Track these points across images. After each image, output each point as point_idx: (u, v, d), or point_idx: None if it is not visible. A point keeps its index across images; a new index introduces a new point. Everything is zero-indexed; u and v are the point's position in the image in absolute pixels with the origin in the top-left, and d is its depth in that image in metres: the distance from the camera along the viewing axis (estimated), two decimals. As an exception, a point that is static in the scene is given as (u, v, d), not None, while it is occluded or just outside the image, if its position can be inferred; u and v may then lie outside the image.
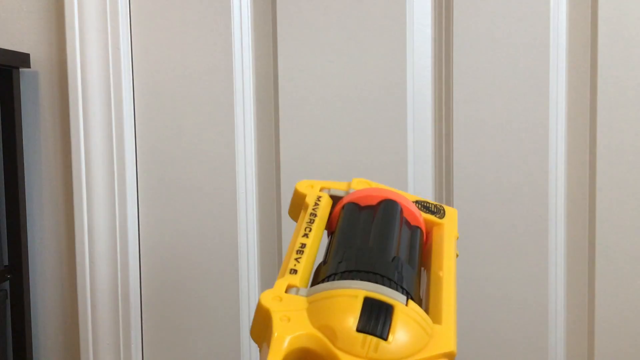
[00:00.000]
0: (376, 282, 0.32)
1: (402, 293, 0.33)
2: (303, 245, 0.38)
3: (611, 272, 0.91)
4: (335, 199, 0.44)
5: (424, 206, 0.44)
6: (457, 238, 0.44)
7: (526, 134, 0.91)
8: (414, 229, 0.42)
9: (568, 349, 0.94)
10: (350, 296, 0.31)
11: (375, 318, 0.30)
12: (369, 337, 0.30)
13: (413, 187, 0.93)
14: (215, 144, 0.96)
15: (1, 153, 0.96)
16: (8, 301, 0.98)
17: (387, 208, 0.41)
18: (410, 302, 0.32)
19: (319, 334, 0.30)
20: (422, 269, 0.41)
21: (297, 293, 0.34)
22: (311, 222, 0.41)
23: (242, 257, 0.97)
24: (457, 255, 0.42)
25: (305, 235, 0.39)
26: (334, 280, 0.33)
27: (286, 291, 0.34)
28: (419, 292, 0.36)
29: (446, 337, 0.32)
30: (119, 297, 0.98)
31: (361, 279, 0.33)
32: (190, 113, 0.96)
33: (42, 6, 0.98)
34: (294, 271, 0.36)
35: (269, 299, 0.33)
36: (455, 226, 0.44)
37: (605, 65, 0.88)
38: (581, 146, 0.91)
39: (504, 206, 0.92)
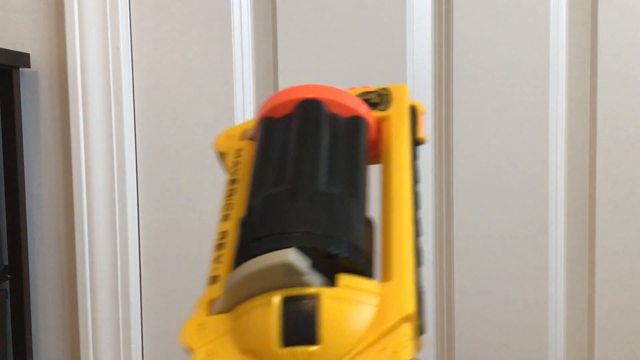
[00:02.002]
0: (291, 259, 0.25)
1: (329, 247, 0.25)
2: (224, 235, 0.30)
3: (611, 272, 0.91)
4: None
5: (365, 101, 0.34)
6: (424, 114, 0.35)
7: (526, 134, 0.91)
8: (351, 121, 0.32)
9: (568, 348, 0.94)
10: (264, 304, 0.25)
11: (298, 323, 0.24)
12: (298, 350, 0.24)
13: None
14: (215, 143, 0.96)
15: (1, 153, 0.96)
16: (8, 301, 0.98)
17: (305, 112, 0.31)
18: (342, 276, 0.25)
19: None
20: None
21: (221, 304, 0.27)
22: (231, 194, 0.32)
23: (242, 257, 0.97)
24: (421, 143, 0.33)
25: (226, 217, 0.31)
26: (241, 263, 0.26)
27: (210, 310, 0.27)
28: (362, 230, 0.28)
29: (397, 298, 0.25)
30: (119, 297, 0.98)
31: (267, 249, 0.25)
32: (190, 113, 0.96)
33: (42, 6, 0.98)
34: (213, 279, 0.29)
35: (190, 333, 0.27)
36: (405, 109, 0.33)
37: (605, 65, 0.88)
38: (581, 146, 0.91)
39: (504, 206, 0.92)
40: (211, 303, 0.28)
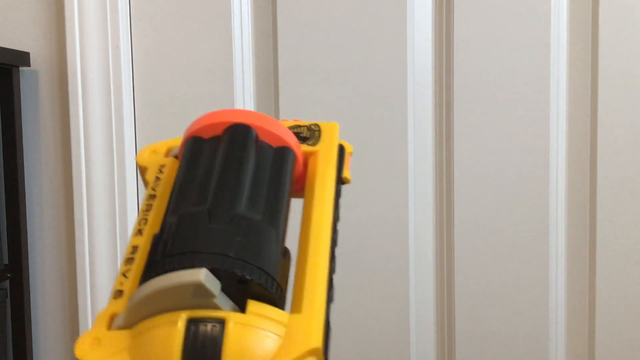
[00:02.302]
0: (201, 280, 0.24)
1: (237, 270, 0.25)
2: (135, 249, 0.29)
3: (611, 272, 0.91)
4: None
5: (295, 134, 0.34)
6: (351, 154, 0.35)
7: (526, 134, 0.91)
8: (279, 151, 0.31)
9: (568, 349, 0.94)
10: (167, 323, 0.24)
11: (201, 346, 0.23)
12: None
13: (413, 186, 0.93)
14: (215, 143, 0.96)
15: (1, 152, 0.96)
16: (8, 301, 0.98)
17: (233, 136, 0.31)
18: (251, 302, 0.25)
19: None
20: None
21: (122, 320, 0.26)
22: (148, 209, 0.31)
23: (242, 257, 0.97)
24: (345, 182, 0.33)
25: (140, 232, 0.30)
26: (148, 279, 0.25)
27: (109, 325, 0.26)
28: (279, 257, 0.28)
29: (305, 331, 0.25)
30: (119, 297, 0.98)
31: (176, 267, 0.25)
32: (190, 113, 0.96)
33: (42, 5, 0.98)
34: (119, 293, 0.27)
35: (84, 348, 0.25)
36: (334, 146, 0.34)
37: (605, 65, 0.88)
38: (581, 146, 0.91)
39: (504, 206, 0.92)
40: (112, 317, 0.26)
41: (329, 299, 0.27)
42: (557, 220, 0.92)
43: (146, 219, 0.31)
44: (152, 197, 0.32)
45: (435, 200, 0.94)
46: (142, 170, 0.35)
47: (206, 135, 0.31)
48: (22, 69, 0.98)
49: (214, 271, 0.24)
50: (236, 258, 0.25)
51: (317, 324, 0.25)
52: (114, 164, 0.96)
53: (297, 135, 0.34)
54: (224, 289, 0.25)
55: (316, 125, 0.35)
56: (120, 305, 0.27)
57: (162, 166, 0.34)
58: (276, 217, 0.29)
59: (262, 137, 0.31)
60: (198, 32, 0.95)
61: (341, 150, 0.34)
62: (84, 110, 0.95)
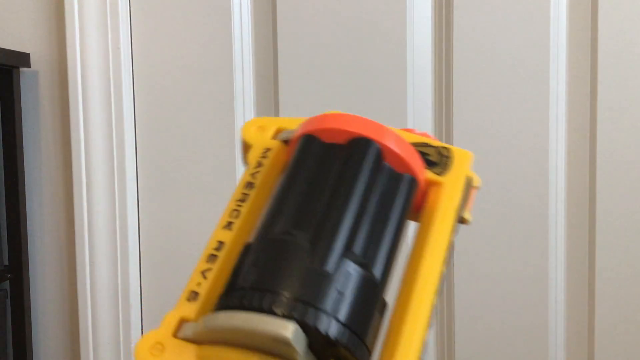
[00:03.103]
0: (275, 310, 0.21)
1: (316, 322, 0.22)
2: (220, 245, 0.26)
3: (611, 271, 0.91)
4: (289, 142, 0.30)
5: (422, 154, 0.30)
6: (477, 187, 0.30)
7: (526, 134, 0.91)
8: (403, 181, 0.27)
9: (568, 349, 0.94)
10: None
11: None
12: None
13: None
14: (215, 143, 0.96)
15: (1, 153, 0.96)
16: (8, 301, 0.98)
17: (357, 154, 0.26)
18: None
19: None
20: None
21: (192, 332, 0.23)
22: (242, 199, 0.28)
23: (242, 257, 0.97)
24: (465, 221, 0.29)
25: (229, 225, 0.27)
26: (230, 306, 0.22)
27: (178, 331, 0.24)
28: (374, 318, 0.24)
29: None
30: (119, 297, 0.98)
31: (253, 305, 0.22)
32: (190, 113, 0.96)
33: (42, 6, 0.98)
34: (194, 295, 0.25)
35: (144, 351, 0.23)
36: (462, 181, 0.29)
37: (605, 65, 0.88)
38: (581, 146, 0.91)
39: (504, 206, 0.92)
40: (181, 322, 0.24)
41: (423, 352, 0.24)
42: (556, 220, 0.92)
43: (238, 211, 0.27)
44: (249, 185, 0.28)
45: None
46: (245, 146, 0.31)
47: (326, 138, 0.27)
48: (23, 70, 0.98)
49: (303, 324, 0.22)
50: (333, 317, 0.22)
51: None
52: (114, 164, 0.96)
53: (424, 156, 0.30)
54: (309, 344, 0.22)
55: (447, 149, 0.31)
56: (193, 309, 0.24)
57: (267, 149, 0.30)
58: (386, 268, 0.25)
59: (387, 159, 0.27)
60: (198, 32, 0.95)
61: (468, 183, 0.30)
62: (84, 110, 0.95)
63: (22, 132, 0.98)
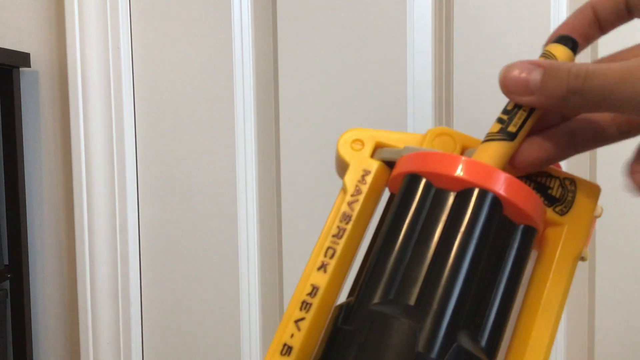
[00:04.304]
0: None
1: None
2: (314, 290, 0.23)
3: (611, 272, 0.91)
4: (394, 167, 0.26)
5: (541, 188, 0.25)
6: (598, 216, 0.26)
7: (526, 134, 0.90)
8: (524, 237, 0.23)
9: (568, 349, 0.94)
10: None
11: None
12: None
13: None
14: (215, 143, 0.96)
15: (1, 153, 0.96)
16: (8, 301, 0.98)
17: (477, 212, 0.22)
18: None
19: None
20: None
21: None
22: (339, 235, 0.24)
23: (242, 257, 0.97)
24: (582, 259, 0.25)
25: (323, 266, 0.24)
26: None
27: None
28: None
29: None
30: (119, 297, 0.98)
31: None
32: (191, 113, 0.96)
33: (42, 6, 0.98)
34: (287, 349, 0.22)
35: None
36: (588, 223, 0.25)
37: (605, 65, 0.88)
38: (581, 146, 0.91)
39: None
40: None
41: None
42: (557, 220, 0.92)
43: (334, 250, 0.24)
44: (346, 217, 0.25)
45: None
46: (340, 163, 0.27)
47: (438, 182, 0.23)
48: (23, 69, 0.98)
49: None
50: None
51: None
52: (114, 164, 0.96)
53: (544, 189, 0.26)
54: None
55: (572, 182, 0.27)
56: None
57: (366, 172, 0.26)
58: (497, 347, 0.21)
59: (507, 211, 0.23)
60: (198, 32, 0.95)
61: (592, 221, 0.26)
62: (84, 110, 0.95)
63: (22, 132, 0.98)
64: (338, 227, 0.25)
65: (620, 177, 0.97)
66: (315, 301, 0.23)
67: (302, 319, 0.23)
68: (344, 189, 0.26)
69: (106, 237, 0.97)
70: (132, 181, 0.98)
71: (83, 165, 0.96)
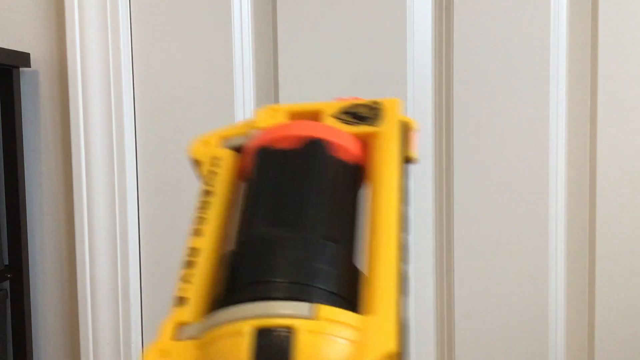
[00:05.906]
0: (273, 296, 0.24)
1: (311, 298, 0.24)
2: (195, 252, 0.28)
3: (611, 272, 0.91)
4: (241, 150, 0.33)
5: (354, 114, 0.32)
6: (415, 130, 0.33)
7: (526, 134, 0.91)
8: (352, 169, 0.31)
9: (568, 349, 0.94)
10: (235, 335, 0.23)
11: (271, 356, 0.22)
12: None
13: (413, 187, 0.93)
14: (215, 143, 0.96)
15: (1, 152, 0.96)
16: (8, 301, 0.98)
17: (311, 152, 0.30)
18: (322, 308, 0.24)
19: None
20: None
21: (190, 334, 0.25)
22: (205, 207, 0.30)
23: (242, 257, 0.97)
24: (411, 162, 0.31)
25: (198, 231, 0.29)
26: (237, 303, 0.24)
27: (176, 335, 0.25)
28: (347, 274, 0.27)
29: (381, 333, 0.23)
30: (119, 297, 0.98)
31: (253, 297, 0.24)
32: (191, 113, 0.96)
33: (42, 6, 0.98)
34: (181, 300, 0.27)
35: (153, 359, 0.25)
36: (396, 124, 0.32)
37: (605, 65, 0.88)
38: (581, 146, 0.91)
39: (504, 206, 0.92)
40: (177, 327, 0.26)
41: (403, 293, 0.25)
42: (556, 220, 0.92)
43: (204, 218, 0.29)
44: (208, 193, 0.30)
45: (435, 200, 0.94)
46: (195, 163, 0.33)
47: (278, 146, 0.30)
48: (23, 69, 0.98)
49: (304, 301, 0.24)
50: (307, 284, 0.25)
51: (391, 325, 0.24)
52: (114, 164, 0.96)
53: (356, 115, 0.32)
54: None
55: (376, 102, 0.33)
56: (185, 313, 0.26)
57: (216, 158, 0.32)
58: (351, 236, 0.28)
59: (335, 152, 0.30)
60: (198, 32, 0.95)
61: (405, 127, 0.32)
62: (84, 110, 0.95)
63: (22, 132, 0.98)
64: (202, 201, 0.30)
65: (621, 177, 0.97)
66: (199, 259, 0.28)
67: (191, 275, 0.28)
68: (202, 177, 0.32)
69: (106, 237, 0.97)
70: (132, 181, 0.98)
71: (83, 165, 0.96)
